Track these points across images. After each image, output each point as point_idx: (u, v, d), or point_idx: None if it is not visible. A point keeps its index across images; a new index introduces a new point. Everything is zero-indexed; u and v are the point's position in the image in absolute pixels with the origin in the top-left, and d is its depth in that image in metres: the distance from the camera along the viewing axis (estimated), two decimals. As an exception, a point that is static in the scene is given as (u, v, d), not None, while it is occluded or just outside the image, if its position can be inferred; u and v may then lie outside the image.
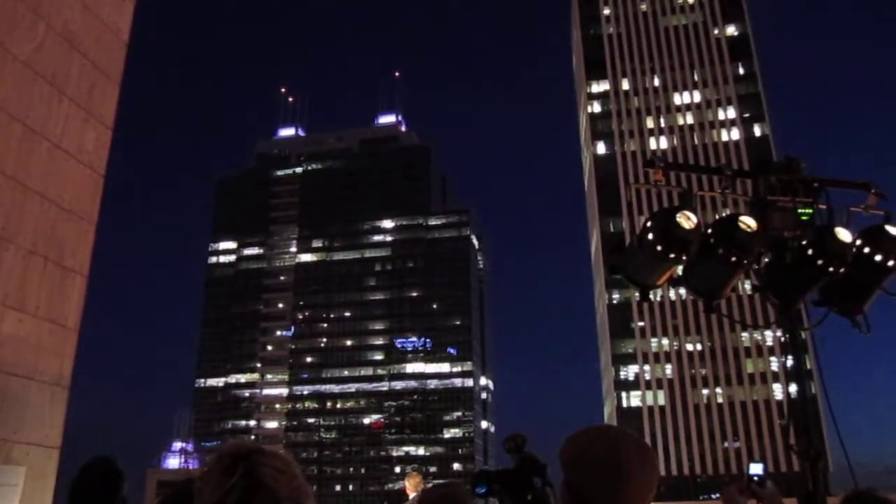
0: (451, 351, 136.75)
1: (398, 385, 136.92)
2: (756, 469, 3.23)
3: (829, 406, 3.31)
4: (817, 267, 3.07)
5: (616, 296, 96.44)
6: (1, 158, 4.43)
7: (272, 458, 1.54)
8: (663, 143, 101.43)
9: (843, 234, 3.13)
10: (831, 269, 3.06)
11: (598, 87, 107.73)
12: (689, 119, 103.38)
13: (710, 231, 3.11)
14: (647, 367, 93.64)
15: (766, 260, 3.30)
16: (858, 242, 3.21)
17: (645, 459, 1.90)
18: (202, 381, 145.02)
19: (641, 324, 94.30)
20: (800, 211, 3.18)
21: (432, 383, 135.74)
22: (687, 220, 3.00)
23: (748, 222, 3.05)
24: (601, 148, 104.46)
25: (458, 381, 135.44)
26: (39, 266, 4.66)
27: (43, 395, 4.58)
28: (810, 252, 3.09)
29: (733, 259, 3.05)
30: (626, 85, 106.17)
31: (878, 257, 3.20)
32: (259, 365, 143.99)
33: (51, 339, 4.70)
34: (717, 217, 3.17)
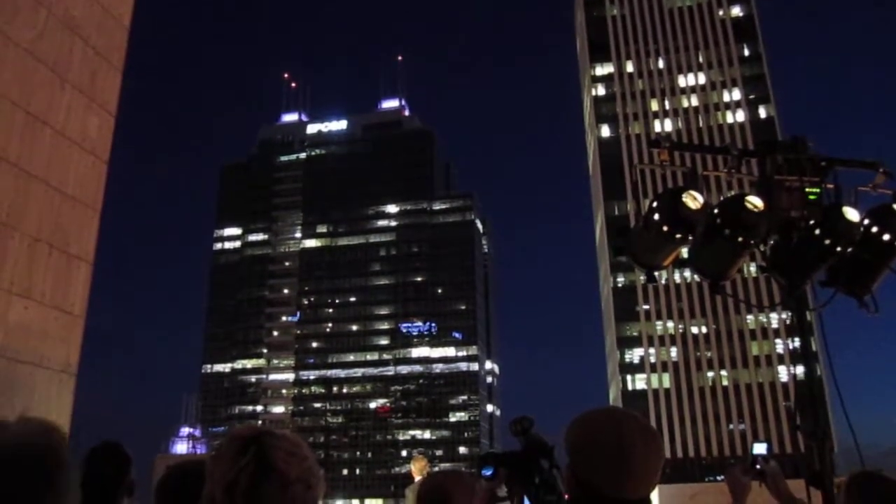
0: (457, 335, 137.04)
1: (404, 369, 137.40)
2: (760, 449, 3.23)
3: (836, 387, 3.31)
4: (825, 247, 3.06)
5: (621, 279, 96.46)
6: (4, 146, 4.42)
7: (283, 441, 1.57)
8: (668, 125, 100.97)
9: (851, 214, 3.10)
10: (839, 248, 3.05)
11: (602, 69, 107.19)
12: (694, 101, 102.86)
13: (716, 211, 3.09)
14: (652, 350, 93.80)
15: (772, 241, 3.28)
16: (866, 222, 3.19)
17: (649, 443, 1.88)
18: (209, 366, 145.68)
19: (646, 307, 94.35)
20: (807, 190, 3.15)
21: (438, 367, 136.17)
22: (693, 200, 2.98)
23: (755, 202, 3.03)
24: (605, 131, 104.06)
25: (463, 366, 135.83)
26: (44, 253, 4.66)
27: (50, 382, 4.60)
28: (818, 232, 3.07)
29: (740, 239, 3.03)
30: (630, 67, 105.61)
31: (886, 237, 3.18)
32: (265, 350, 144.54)
33: (57, 326, 4.71)
34: (722, 198, 3.16)
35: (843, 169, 3.32)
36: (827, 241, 3.05)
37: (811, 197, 3.16)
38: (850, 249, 3.09)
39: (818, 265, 3.18)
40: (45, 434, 1.51)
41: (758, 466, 3.14)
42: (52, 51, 4.86)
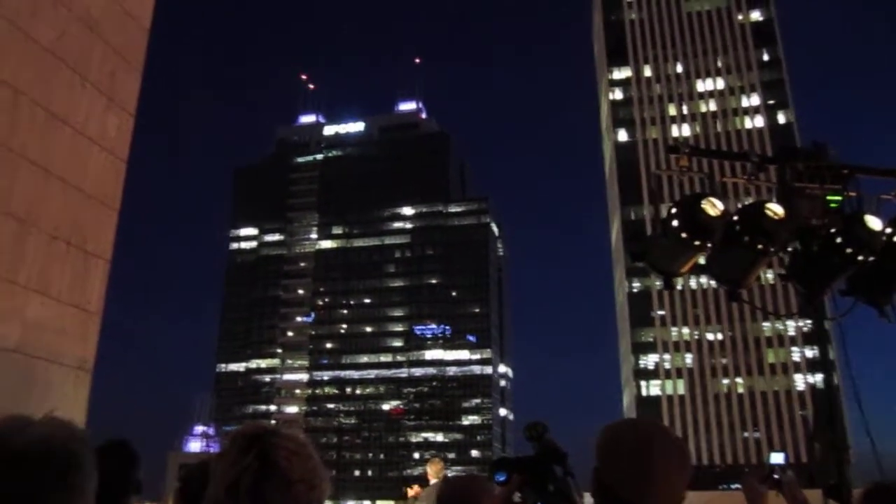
0: (470, 338, 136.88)
1: (417, 372, 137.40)
2: (777, 458, 3.20)
3: (856, 397, 3.26)
4: (846, 255, 3.02)
5: (636, 284, 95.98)
6: (24, 144, 4.45)
7: (286, 440, 1.55)
8: (685, 130, 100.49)
9: (873, 222, 3.07)
10: (860, 257, 3.01)
11: (620, 73, 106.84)
12: (712, 106, 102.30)
13: (735, 218, 3.06)
14: (666, 356, 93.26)
15: (792, 248, 3.25)
16: (888, 230, 3.15)
17: (673, 455, 1.91)
18: (223, 365, 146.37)
19: (661, 312, 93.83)
20: (828, 198, 3.12)
21: (451, 370, 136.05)
22: (713, 206, 2.96)
23: (775, 209, 3.01)
24: (622, 135, 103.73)
25: (476, 369, 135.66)
26: (62, 251, 4.69)
27: (66, 378, 4.62)
28: (839, 240, 3.04)
29: (759, 247, 3.00)
30: (647, 72, 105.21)
31: (908, 246, 3.14)
32: (279, 350, 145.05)
33: (74, 323, 4.74)
34: (738, 205, 3.13)
35: (865, 177, 3.29)
36: (848, 250, 3.02)
37: (832, 205, 3.13)
38: (871, 258, 3.05)
39: (839, 274, 3.14)
40: (69, 435, 1.49)
41: (775, 476, 3.11)
42: (72, 50, 4.89)
